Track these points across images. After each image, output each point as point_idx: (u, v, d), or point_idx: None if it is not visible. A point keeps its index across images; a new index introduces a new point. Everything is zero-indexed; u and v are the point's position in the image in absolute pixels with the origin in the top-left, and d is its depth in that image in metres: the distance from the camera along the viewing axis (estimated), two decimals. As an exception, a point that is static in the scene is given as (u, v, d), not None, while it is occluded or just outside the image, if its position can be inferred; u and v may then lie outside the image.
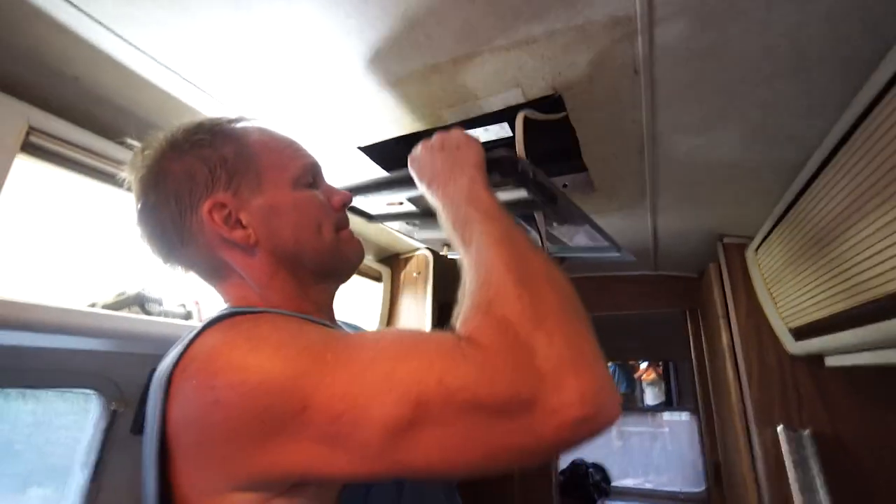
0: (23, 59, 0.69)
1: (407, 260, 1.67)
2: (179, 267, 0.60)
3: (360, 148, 0.95)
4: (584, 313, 0.42)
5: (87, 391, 1.35)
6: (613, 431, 4.60)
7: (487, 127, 0.87)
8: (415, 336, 0.43)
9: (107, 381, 1.34)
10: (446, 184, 0.59)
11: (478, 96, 0.78)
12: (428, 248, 1.62)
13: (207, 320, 0.49)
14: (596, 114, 0.82)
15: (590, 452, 3.76)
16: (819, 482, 1.15)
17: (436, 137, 0.65)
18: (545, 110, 0.79)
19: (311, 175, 0.62)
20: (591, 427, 0.35)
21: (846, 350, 1.01)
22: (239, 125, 0.61)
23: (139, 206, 0.58)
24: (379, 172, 1.02)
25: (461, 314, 0.43)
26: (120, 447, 1.38)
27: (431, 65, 0.71)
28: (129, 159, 0.61)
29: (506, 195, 0.80)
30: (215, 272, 0.59)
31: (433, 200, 0.61)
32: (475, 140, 0.64)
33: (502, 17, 0.62)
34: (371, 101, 0.80)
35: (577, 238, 1.09)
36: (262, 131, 0.62)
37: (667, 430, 4.61)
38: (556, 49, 0.67)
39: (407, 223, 1.07)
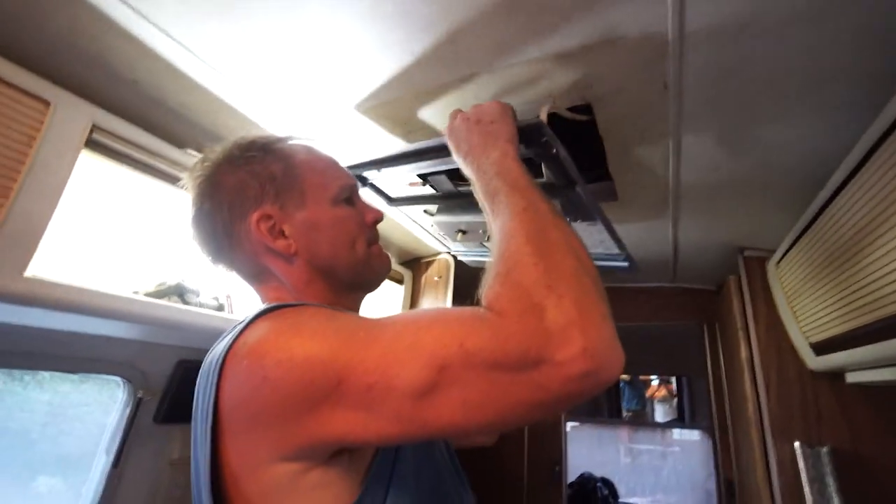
0: (91, 64, 0.75)
1: (429, 264, 1.70)
2: (224, 267, 0.66)
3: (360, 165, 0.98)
4: (597, 280, 0.45)
5: (116, 378, 1.41)
6: (622, 449, 4.56)
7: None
8: (438, 310, 0.48)
9: (135, 370, 1.39)
10: (480, 157, 0.62)
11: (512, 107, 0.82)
12: (449, 253, 1.65)
13: (256, 312, 0.53)
14: (624, 125, 0.85)
15: (598, 468, 3.72)
16: (837, 501, 1.14)
17: (472, 110, 0.67)
18: (575, 118, 0.82)
19: (348, 193, 0.68)
20: (595, 380, 0.38)
21: (867, 366, 1.01)
22: (287, 144, 0.67)
23: (195, 210, 0.64)
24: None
25: (485, 284, 0.47)
26: (142, 435, 1.44)
27: (468, 75, 0.75)
28: (188, 163, 0.67)
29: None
30: (257, 275, 0.65)
31: (468, 172, 0.65)
32: (509, 114, 0.67)
33: (539, 32, 0.65)
34: (407, 108, 0.85)
35: (588, 241, 1.10)
36: (308, 151, 0.68)
37: (677, 449, 4.52)
38: (589, 62, 0.71)
39: (424, 209, 1.09)
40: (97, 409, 1.41)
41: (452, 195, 0.99)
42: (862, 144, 0.77)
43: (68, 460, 1.34)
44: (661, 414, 5.19)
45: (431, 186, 1.00)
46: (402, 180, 1.00)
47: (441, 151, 0.75)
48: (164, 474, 1.50)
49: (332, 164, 0.69)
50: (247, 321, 0.52)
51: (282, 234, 0.62)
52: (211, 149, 0.66)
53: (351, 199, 0.68)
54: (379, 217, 0.71)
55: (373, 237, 0.70)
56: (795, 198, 1.07)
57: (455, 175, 0.91)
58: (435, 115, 0.86)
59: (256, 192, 0.62)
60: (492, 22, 0.64)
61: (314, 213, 0.63)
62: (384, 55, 0.71)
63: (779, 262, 1.29)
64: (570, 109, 0.81)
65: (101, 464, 1.38)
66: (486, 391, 0.40)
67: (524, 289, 0.43)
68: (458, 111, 0.69)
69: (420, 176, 0.97)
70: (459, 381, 0.40)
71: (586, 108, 0.81)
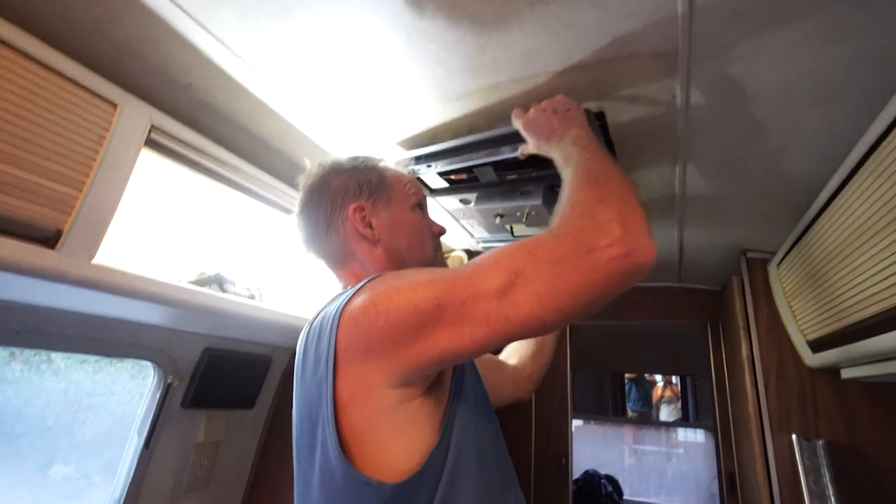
0: (152, 69, 0.83)
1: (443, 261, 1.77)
2: (314, 252, 0.81)
3: (416, 157, 1.06)
4: (636, 195, 0.58)
5: (147, 363, 1.49)
6: (626, 450, 4.60)
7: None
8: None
9: (165, 356, 1.48)
10: (563, 136, 0.73)
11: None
12: (464, 250, 1.72)
13: (362, 282, 0.64)
14: (634, 131, 0.92)
15: (603, 466, 3.77)
16: (831, 490, 1.20)
17: (545, 103, 0.79)
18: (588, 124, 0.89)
19: (421, 202, 0.85)
20: (632, 260, 0.50)
21: (860, 361, 1.07)
22: (381, 163, 0.85)
23: (304, 201, 0.81)
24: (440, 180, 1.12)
25: (553, 216, 0.60)
26: (171, 418, 1.52)
27: (494, 83, 0.82)
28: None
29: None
30: (343, 259, 0.78)
31: (551, 151, 0.76)
32: (577, 104, 0.79)
33: (562, 46, 0.73)
34: (435, 111, 0.92)
35: None
36: (395, 168, 0.86)
37: (682, 450, 4.55)
38: (604, 74, 0.78)
39: (461, 199, 1.16)
40: (110, 399, 1.48)
41: (494, 184, 1.08)
42: (854, 154, 0.83)
43: (81, 448, 1.41)
44: (665, 415, 5.23)
45: (476, 178, 1.09)
46: (448, 172, 1.10)
47: (501, 141, 0.91)
48: (190, 456, 1.59)
49: (412, 180, 0.86)
50: (356, 287, 0.63)
51: (370, 224, 0.77)
52: (323, 159, 0.84)
53: (423, 209, 0.85)
54: (443, 231, 0.87)
55: (437, 245, 0.85)
56: (797, 202, 1.13)
57: (500, 166, 1.02)
58: (461, 118, 0.94)
59: (355, 190, 0.78)
60: (522, 36, 0.71)
61: (396, 213, 0.79)
62: (421, 64, 0.79)
63: (779, 263, 1.35)
64: (586, 115, 0.88)
65: (133, 444, 1.46)
66: (552, 282, 0.51)
67: (581, 203, 0.57)
68: (531, 106, 0.81)
69: (464, 169, 1.06)
70: (531, 278, 0.51)
71: (599, 115, 0.88)
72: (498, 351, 1.11)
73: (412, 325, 0.54)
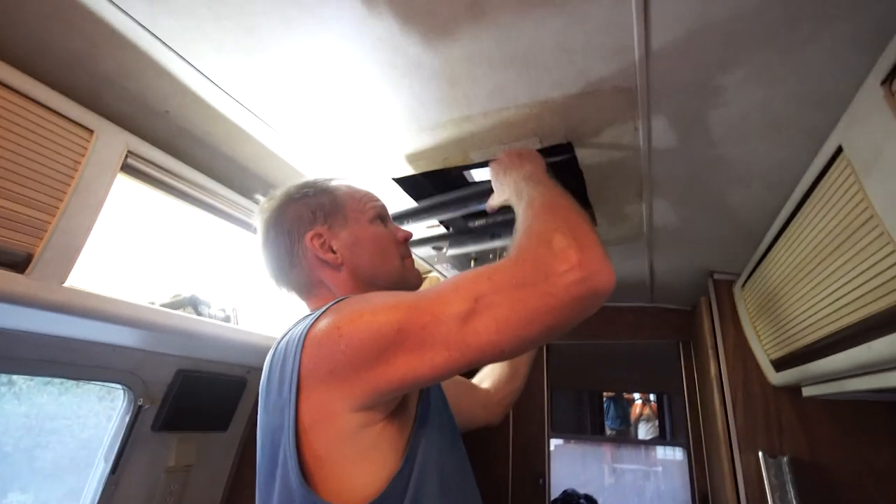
0: (130, 97, 0.84)
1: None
2: (285, 287, 0.81)
3: (394, 179, 1.09)
4: (589, 225, 0.59)
5: (117, 386, 1.45)
6: (606, 469, 4.61)
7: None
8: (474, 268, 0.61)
9: (136, 378, 1.44)
10: (518, 172, 0.78)
11: (502, 141, 0.93)
12: (438, 272, 1.74)
13: (327, 305, 0.64)
14: (601, 160, 0.97)
15: (582, 485, 3.77)
16: (796, 506, 1.24)
17: (513, 151, 0.85)
18: (557, 154, 0.94)
19: (381, 215, 0.84)
20: (590, 285, 0.51)
21: (817, 380, 1.12)
22: (332, 182, 0.85)
23: (263, 239, 0.81)
24: (410, 202, 1.16)
25: (510, 245, 0.62)
26: (141, 442, 1.48)
27: (465, 115, 0.86)
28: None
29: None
30: (310, 288, 0.79)
31: (504, 189, 0.80)
32: (536, 152, 0.86)
33: (529, 83, 0.77)
34: (409, 140, 0.95)
35: None
36: (348, 185, 0.86)
37: (660, 468, 4.57)
38: (571, 108, 0.82)
39: (434, 246, 1.21)
40: (75, 423, 1.43)
41: (464, 231, 1.13)
42: (801, 186, 0.89)
43: (42, 475, 1.34)
44: (643, 433, 5.27)
45: (446, 227, 1.14)
46: (423, 224, 1.16)
47: (470, 198, 0.98)
48: (160, 481, 1.54)
49: (367, 193, 0.86)
50: (321, 311, 0.63)
51: (331, 248, 0.77)
52: (273, 192, 0.84)
53: (384, 220, 0.85)
54: (408, 236, 0.86)
55: (405, 252, 0.85)
56: (755, 227, 1.19)
57: (469, 216, 1.07)
58: (436, 146, 0.97)
59: (310, 218, 0.79)
60: (491, 72, 0.75)
61: (355, 231, 0.79)
62: (396, 96, 0.82)
63: (743, 285, 1.41)
64: (554, 147, 0.92)
65: (99, 470, 1.42)
66: (511, 307, 0.52)
67: (537, 232, 0.58)
68: (504, 153, 0.87)
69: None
70: (491, 304, 0.52)
71: (568, 147, 0.92)
72: (471, 374, 1.13)
73: (373, 350, 0.55)
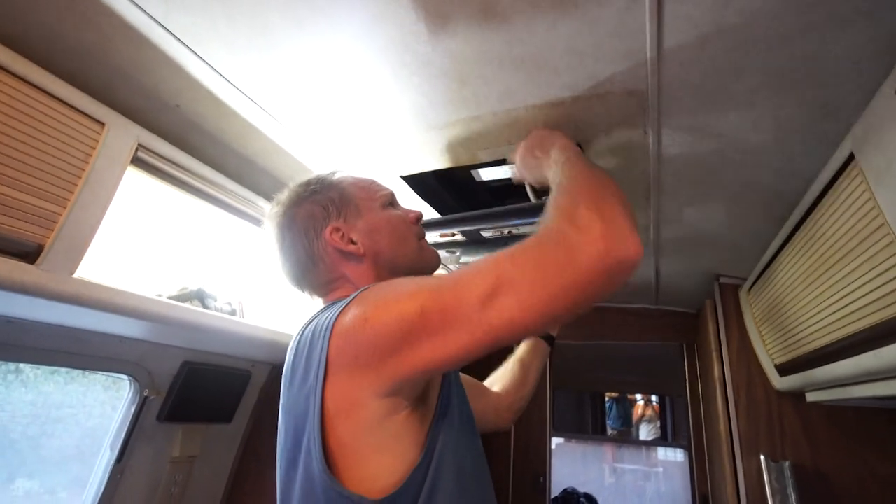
0: (143, 91, 0.85)
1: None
2: (307, 290, 0.81)
3: (402, 177, 1.09)
4: (618, 195, 0.58)
5: (123, 377, 1.47)
6: (606, 469, 4.61)
7: (513, 165, 1.02)
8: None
9: (142, 370, 1.46)
10: (549, 165, 0.76)
11: (510, 142, 0.93)
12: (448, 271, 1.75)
13: (354, 293, 0.65)
14: (609, 162, 0.96)
15: (582, 485, 3.78)
16: (797, 512, 1.24)
17: (524, 147, 0.84)
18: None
19: (391, 199, 0.84)
20: (614, 258, 0.50)
21: (822, 386, 1.12)
22: (336, 175, 0.84)
23: (279, 243, 0.80)
24: (421, 203, 1.17)
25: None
26: (146, 433, 1.50)
27: (474, 115, 0.86)
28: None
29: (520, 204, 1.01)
30: (333, 283, 0.78)
31: (546, 182, 0.79)
32: (550, 130, 0.84)
33: (539, 85, 0.76)
34: (418, 139, 0.95)
35: None
36: (352, 176, 0.85)
37: (661, 469, 4.57)
38: (580, 110, 0.82)
39: (448, 250, 1.21)
40: (81, 412, 1.45)
41: (479, 241, 1.17)
42: (810, 193, 0.89)
43: (48, 462, 1.36)
44: (645, 434, 5.27)
45: (463, 234, 1.16)
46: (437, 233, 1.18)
47: (500, 216, 0.98)
48: (165, 472, 1.56)
49: (372, 181, 0.86)
50: (349, 299, 0.63)
51: (351, 241, 0.77)
52: (281, 193, 0.83)
53: (394, 204, 0.84)
54: (419, 215, 0.86)
55: (420, 233, 0.85)
56: (763, 233, 1.18)
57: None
58: (444, 146, 0.97)
59: (323, 214, 0.78)
60: (501, 73, 0.75)
61: (370, 219, 0.79)
62: (406, 94, 0.82)
63: (749, 289, 1.41)
64: (563, 148, 0.92)
65: (104, 459, 1.44)
66: (533, 285, 0.51)
67: (563, 208, 0.57)
68: (517, 146, 0.86)
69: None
70: (513, 283, 0.52)
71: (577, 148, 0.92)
72: (482, 378, 1.13)
73: (397, 335, 0.55)
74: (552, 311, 0.51)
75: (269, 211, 0.83)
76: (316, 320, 0.67)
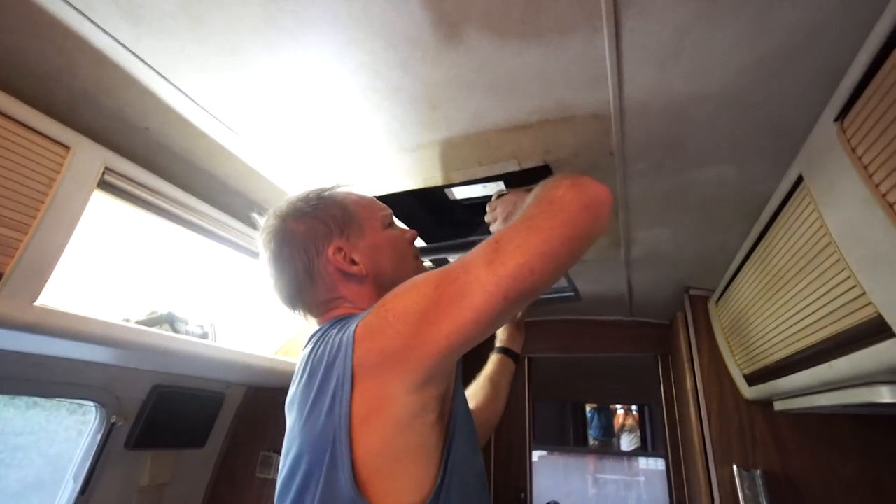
0: (109, 114, 0.84)
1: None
2: (300, 309, 0.78)
3: (377, 196, 1.09)
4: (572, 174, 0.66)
5: (89, 403, 1.41)
6: (589, 479, 4.62)
7: (486, 184, 1.04)
8: None
9: (109, 395, 1.41)
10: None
11: (481, 163, 0.95)
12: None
13: (368, 308, 0.65)
14: (578, 182, 0.99)
15: (565, 497, 3.78)
16: (769, 519, 1.27)
17: (500, 211, 0.89)
18: (536, 177, 0.96)
19: (390, 219, 0.84)
20: (591, 193, 0.59)
21: (788, 395, 1.16)
22: (336, 190, 0.82)
23: (275, 258, 0.76)
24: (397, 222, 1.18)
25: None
26: (113, 461, 1.44)
27: (446, 138, 0.88)
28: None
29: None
30: (330, 303, 0.76)
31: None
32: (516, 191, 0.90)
33: (507, 108, 0.79)
34: (391, 160, 0.96)
35: None
36: (351, 193, 0.83)
37: (642, 479, 4.60)
38: (548, 133, 0.84)
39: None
40: (43, 438, 1.38)
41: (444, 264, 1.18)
42: (766, 211, 0.93)
43: (6, 494, 1.30)
44: (626, 443, 5.31)
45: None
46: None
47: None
48: (133, 501, 1.50)
49: (372, 200, 0.85)
50: (365, 312, 0.64)
51: (352, 261, 0.75)
52: (276, 206, 0.80)
53: (392, 224, 0.84)
54: (415, 235, 0.87)
55: (416, 252, 0.85)
56: (727, 247, 1.23)
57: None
58: (418, 166, 0.98)
59: (326, 232, 0.75)
60: (470, 97, 0.77)
61: (373, 238, 0.78)
62: (377, 117, 0.83)
63: (717, 301, 1.45)
64: (532, 169, 0.94)
65: (67, 490, 1.37)
66: (528, 234, 0.57)
67: (537, 194, 0.64)
68: (495, 204, 0.91)
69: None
70: (510, 239, 0.57)
71: (546, 168, 0.95)
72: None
73: (418, 314, 0.57)
74: (550, 250, 0.56)
75: (264, 223, 0.79)
76: (327, 338, 0.66)
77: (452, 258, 1.06)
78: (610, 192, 0.60)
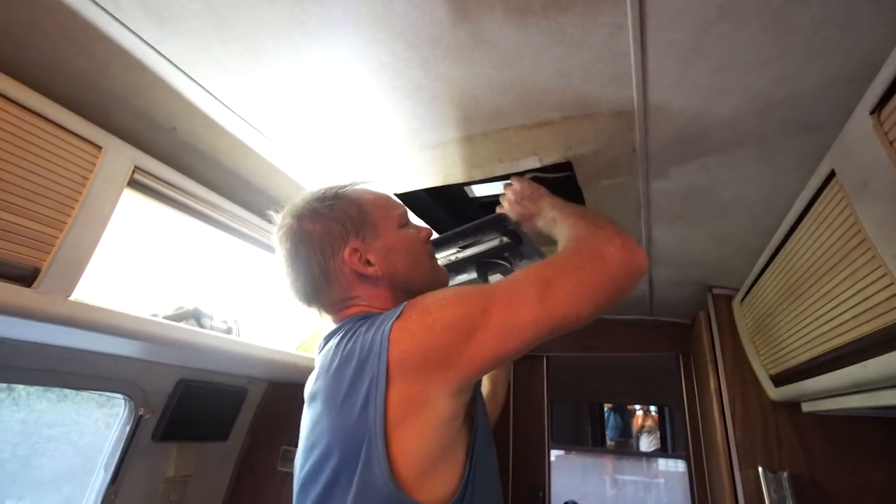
0: (138, 114, 0.86)
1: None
2: (317, 307, 0.79)
3: (396, 194, 1.10)
4: (613, 221, 0.73)
5: (118, 396, 1.46)
6: (607, 480, 4.57)
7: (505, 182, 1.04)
8: None
9: (137, 389, 1.45)
10: (540, 213, 0.87)
11: (502, 160, 0.94)
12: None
13: (401, 305, 0.66)
14: (600, 179, 0.98)
15: (583, 497, 3.74)
16: (796, 523, 1.24)
17: (513, 197, 0.92)
18: (557, 172, 0.95)
19: (406, 219, 0.84)
20: (634, 262, 0.65)
21: (817, 396, 1.13)
22: (352, 189, 0.82)
23: (291, 259, 0.77)
24: (415, 219, 1.17)
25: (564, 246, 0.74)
26: (140, 452, 1.48)
27: (466, 136, 0.88)
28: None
29: (482, 247, 1.04)
30: (345, 302, 0.77)
31: (537, 226, 0.89)
32: (531, 182, 0.93)
33: (528, 106, 0.78)
34: (412, 158, 0.97)
35: None
36: (367, 191, 0.83)
37: (662, 480, 4.53)
38: (569, 130, 0.84)
39: (449, 270, 1.23)
40: (74, 430, 1.43)
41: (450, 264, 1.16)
42: (795, 207, 0.90)
43: (39, 483, 1.33)
44: (645, 445, 5.23)
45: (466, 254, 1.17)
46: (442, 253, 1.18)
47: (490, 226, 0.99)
48: (159, 491, 1.55)
49: (388, 198, 0.85)
50: (399, 309, 0.64)
51: (368, 262, 0.76)
52: (292, 206, 0.80)
53: (408, 222, 0.84)
54: (430, 233, 0.86)
55: (431, 251, 0.86)
56: (756, 243, 1.20)
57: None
58: (438, 164, 0.98)
59: (341, 232, 0.76)
60: (492, 95, 0.76)
61: (388, 239, 0.78)
62: (398, 116, 0.84)
63: (742, 300, 1.42)
64: (553, 165, 0.94)
65: (98, 479, 1.42)
66: (577, 284, 0.62)
67: (583, 229, 0.72)
68: (503, 196, 0.94)
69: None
70: (561, 284, 0.62)
71: (566, 165, 0.94)
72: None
73: (463, 331, 0.59)
74: (594, 303, 0.62)
75: (280, 221, 0.79)
76: (356, 334, 0.66)
77: (462, 244, 1.07)
78: (647, 258, 0.67)
